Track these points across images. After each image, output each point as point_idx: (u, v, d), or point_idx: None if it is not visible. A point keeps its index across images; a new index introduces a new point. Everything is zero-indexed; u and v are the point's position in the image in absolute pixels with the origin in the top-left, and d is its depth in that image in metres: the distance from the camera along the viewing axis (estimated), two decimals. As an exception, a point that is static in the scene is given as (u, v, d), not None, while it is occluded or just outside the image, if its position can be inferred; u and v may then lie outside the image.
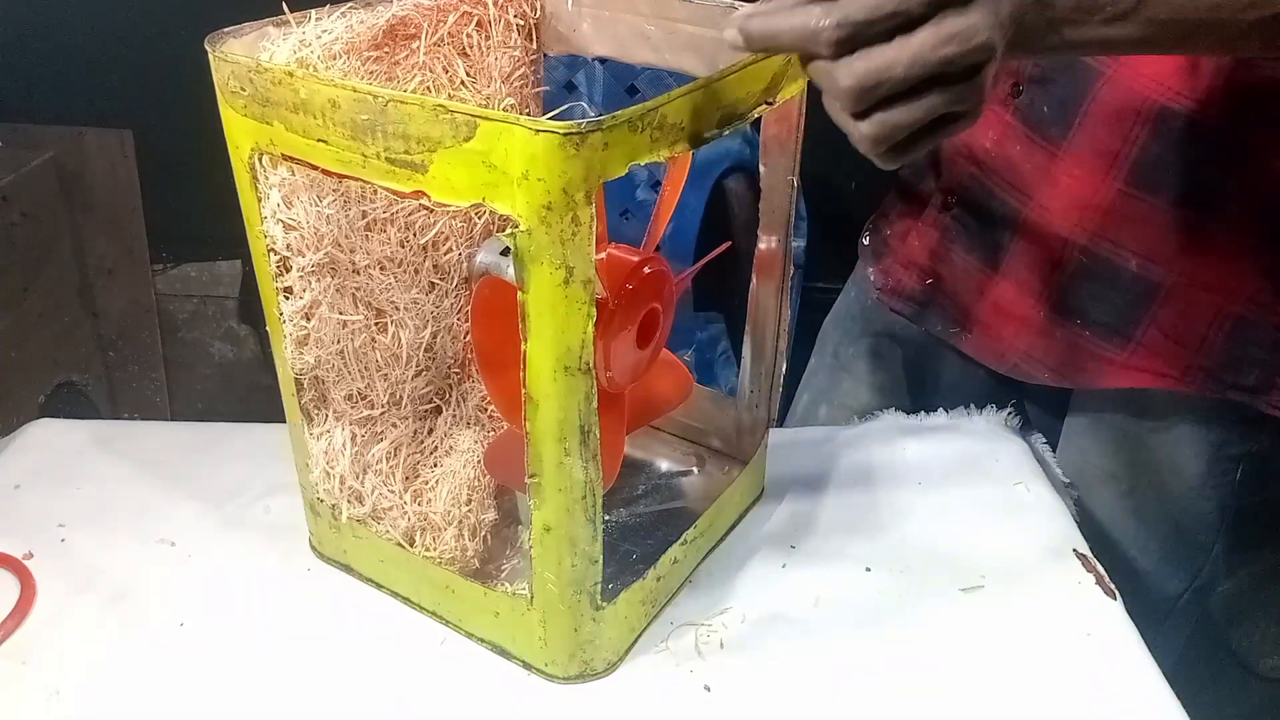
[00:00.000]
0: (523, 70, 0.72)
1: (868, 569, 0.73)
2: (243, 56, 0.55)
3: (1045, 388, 0.84)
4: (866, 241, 0.96)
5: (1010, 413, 0.89)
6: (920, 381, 0.94)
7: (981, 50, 0.46)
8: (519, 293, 0.51)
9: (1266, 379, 0.77)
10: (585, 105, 0.63)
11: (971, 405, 0.90)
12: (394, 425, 0.70)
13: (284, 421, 0.69)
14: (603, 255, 0.63)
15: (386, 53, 0.63)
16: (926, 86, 0.46)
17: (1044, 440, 0.87)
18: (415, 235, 0.67)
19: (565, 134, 0.46)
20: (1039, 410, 0.92)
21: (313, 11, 0.61)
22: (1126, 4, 0.53)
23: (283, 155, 0.56)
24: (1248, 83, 0.69)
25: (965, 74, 0.46)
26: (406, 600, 0.69)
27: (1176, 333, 0.76)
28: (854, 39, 0.45)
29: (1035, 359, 0.83)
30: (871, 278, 0.93)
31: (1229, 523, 0.84)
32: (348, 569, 0.72)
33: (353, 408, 0.68)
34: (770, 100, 0.59)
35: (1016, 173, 0.79)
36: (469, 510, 0.70)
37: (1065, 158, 0.76)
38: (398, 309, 0.67)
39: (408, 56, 0.64)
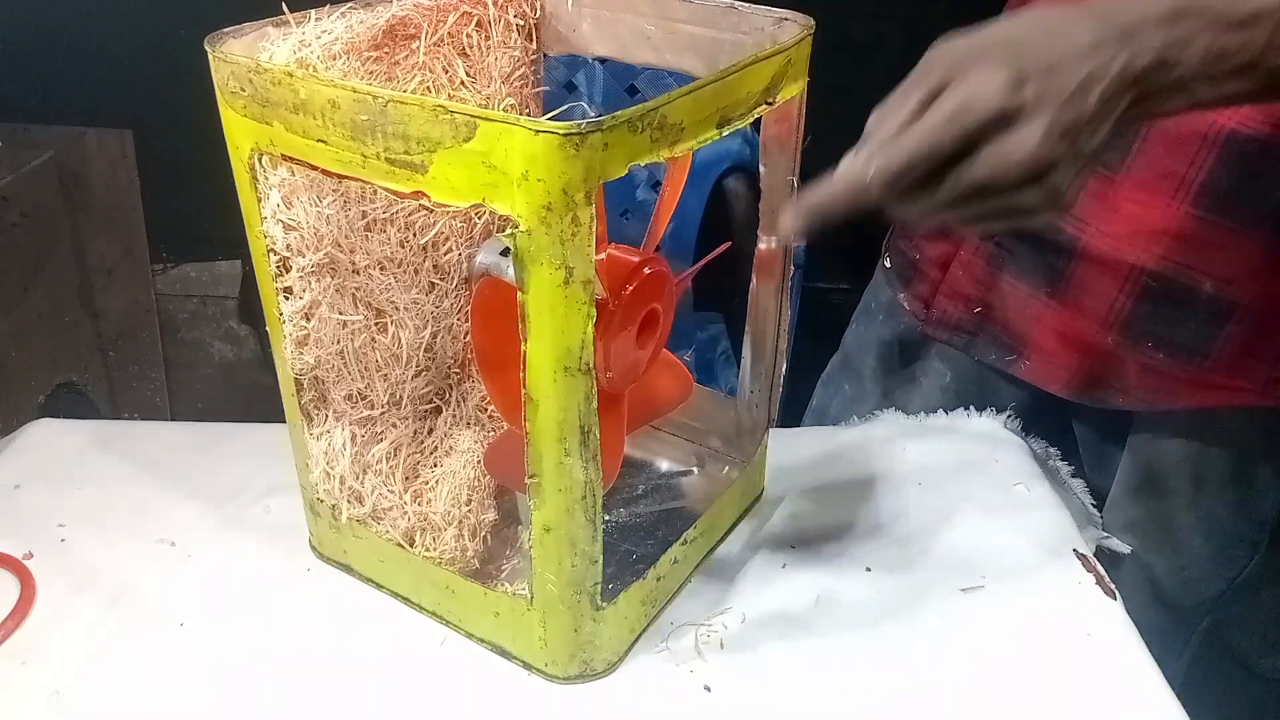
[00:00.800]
0: (523, 70, 0.72)
1: (868, 569, 0.73)
2: (243, 57, 0.55)
3: (1100, 409, 0.83)
4: (889, 264, 0.94)
5: (1010, 414, 0.89)
6: (972, 407, 0.92)
7: (1025, 167, 0.46)
8: (519, 293, 0.51)
9: None
10: (585, 105, 0.63)
11: (971, 406, 0.90)
12: (394, 425, 0.70)
13: (284, 421, 0.69)
14: (603, 255, 0.63)
15: (386, 53, 0.63)
16: (981, 194, 0.47)
17: (1060, 456, 0.87)
18: (415, 235, 0.67)
19: (565, 134, 0.46)
20: (1088, 430, 0.91)
21: (312, 11, 0.61)
22: (1248, 56, 0.50)
23: (283, 155, 0.56)
24: None
25: (1022, 183, 0.47)
26: (406, 600, 0.69)
27: (1254, 349, 0.76)
28: (899, 183, 0.47)
29: (1107, 383, 0.82)
30: (907, 306, 0.92)
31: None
32: (348, 569, 0.72)
33: (353, 408, 0.68)
34: (770, 100, 0.59)
35: None
36: (469, 510, 0.70)
37: (1125, 183, 0.75)
38: (398, 309, 0.67)
39: (408, 57, 0.64)
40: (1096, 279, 0.79)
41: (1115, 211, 0.76)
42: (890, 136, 0.47)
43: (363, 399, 0.69)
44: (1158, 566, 0.86)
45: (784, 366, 0.75)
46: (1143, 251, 0.76)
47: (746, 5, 0.64)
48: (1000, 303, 0.86)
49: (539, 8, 0.72)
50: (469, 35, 0.67)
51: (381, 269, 0.65)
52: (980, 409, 0.89)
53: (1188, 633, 0.89)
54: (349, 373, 0.67)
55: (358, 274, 0.64)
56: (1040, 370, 0.84)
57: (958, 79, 0.47)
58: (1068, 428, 0.92)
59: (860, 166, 0.47)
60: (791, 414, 1.05)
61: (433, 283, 0.70)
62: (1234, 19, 0.49)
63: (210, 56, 0.56)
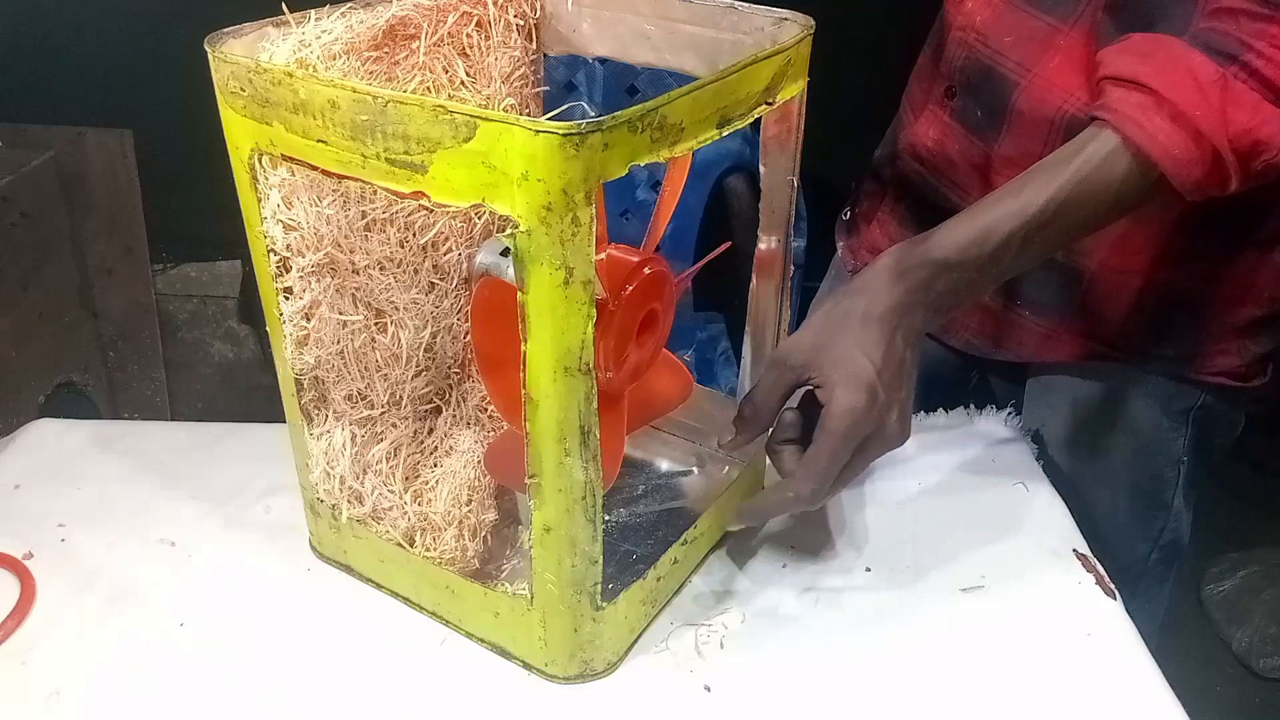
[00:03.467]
0: (523, 70, 0.72)
1: (868, 569, 0.73)
2: (242, 57, 0.55)
3: (1003, 362, 0.90)
4: (846, 217, 1.01)
5: (1010, 413, 0.89)
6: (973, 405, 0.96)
7: (900, 440, 0.64)
8: (519, 293, 0.51)
9: (1190, 350, 0.82)
10: (585, 105, 0.63)
11: (971, 405, 0.90)
12: (394, 425, 0.70)
13: (284, 421, 0.69)
14: (603, 256, 0.63)
15: (386, 53, 0.63)
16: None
17: (1013, 413, 0.91)
18: (415, 235, 0.67)
19: (565, 134, 0.46)
20: (1001, 382, 0.97)
21: (312, 12, 0.61)
22: (1010, 250, 0.63)
23: (282, 156, 0.56)
24: None
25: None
26: (406, 600, 0.69)
27: (1103, 310, 0.82)
28: (820, 493, 0.63)
29: (983, 334, 0.89)
30: (840, 254, 1.00)
31: (1185, 478, 0.89)
32: (348, 569, 0.72)
33: (353, 408, 0.68)
34: (770, 100, 0.59)
35: (956, 170, 0.84)
36: (469, 510, 0.70)
37: (997, 159, 0.80)
38: (398, 309, 0.67)
39: (408, 57, 0.64)
40: None
41: (988, 185, 0.82)
42: (801, 466, 0.63)
43: (363, 399, 0.69)
44: (1090, 519, 0.89)
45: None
46: None
47: (746, 5, 0.64)
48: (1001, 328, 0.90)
49: (539, 8, 0.72)
50: (469, 35, 0.67)
51: (381, 269, 0.65)
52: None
53: (1134, 584, 0.92)
54: (349, 373, 0.67)
55: (358, 274, 0.64)
56: (953, 325, 0.91)
57: (827, 399, 0.62)
58: (986, 383, 1.00)
59: (798, 491, 0.63)
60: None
61: (433, 283, 0.70)
62: (977, 260, 0.63)
63: (210, 56, 0.56)
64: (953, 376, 0.97)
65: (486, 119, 0.47)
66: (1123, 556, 0.88)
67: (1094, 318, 0.83)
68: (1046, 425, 0.90)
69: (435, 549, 0.68)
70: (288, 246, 0.61)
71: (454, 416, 0.75)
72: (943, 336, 0.92)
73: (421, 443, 0.73)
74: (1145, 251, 0.79)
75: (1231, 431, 0.89)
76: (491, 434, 0.75)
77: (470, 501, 0.71)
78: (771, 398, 0.66)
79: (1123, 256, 0.80)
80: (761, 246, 0.71)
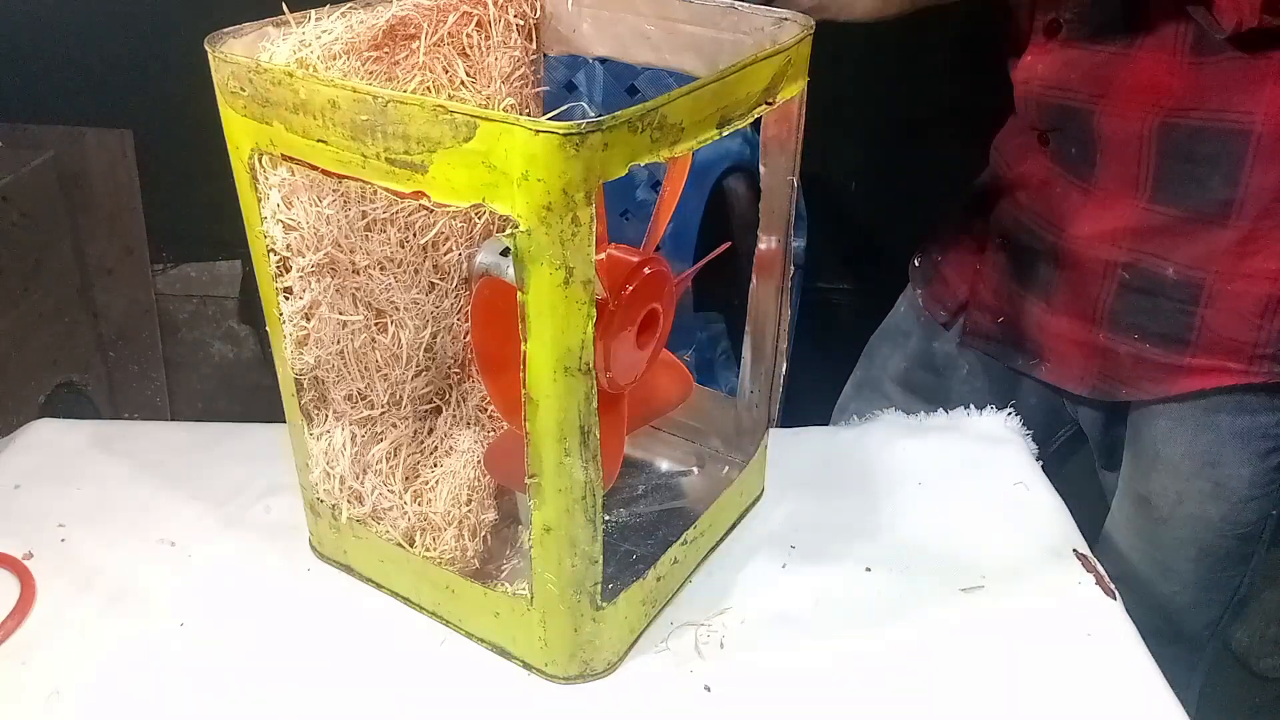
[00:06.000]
0: (523, 70, 0.72)
1: (868, 569, 0.73)
2: (242, 57, 0.55)
3: (1104, 408, 0.89)
4: (918, 264, 1.01)
5: (1010, 412, 0.89)
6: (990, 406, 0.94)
7: None
8: (519, 293, 0.51)
9: None
10: (585, 105, 0.63)
11: (971, 405, 0.90)
12: (394, 425, 0.70)
13: (284, 421, 0.69)
14: (603, 255, 0.63)
15: (386, 53, 0.63)
16: None
17: (1013, 413, 0.90)
18: (415, 235, 0.67)
19: (565, 134, 0.46)
20: (1098, 433, 0.95)
21: (313, 11, 0.61)
22: None
23: (283, 155, 0.56)
24: (1240, 75, 0.73)
25: None
26: (406, 600, 0.69)
27: (1230, 327, 0.80)
28: None
29: (1110, 377, 0.86)
30: (921, 303, 0.99)
31: (1270, 532, 0.87)
32: (348, 569, 0.72)
33: (353, 408, 0.68)
34: (770, 100, 0.59)
35: (1053, 210, 0.85)
36: (469, 510, 0.70)
37: (1097, 191, 0.81)
38: (398, 309, 0.67)
39: (408, 57, 0.64)
40: (1076, 280, 0.85)
41: (1084, 216, 0.82)
42: None
43: (363, 399, 0.69)
44: (1153, 596, 0.88)
45: (784, 366, 0.75)
46: (1113, 248, 0.82)
47: (746, 5, 0.64)
48: (1015, 311, 0.91)
49: (539, 8, 0.72)
50: (469, 35, 0.67)
51: (381, 269, 0.65)
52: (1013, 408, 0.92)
53: (1194, 658, 0.91)
54: (349, 373, 0.67)
55: (358, 274, 0.64)
56: (1058, 371, 0.89)
57: None
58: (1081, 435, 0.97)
59: None
60: (791, 414, 1.05)
61: (433, 283, 0.70)
62: None
63: (210, 56, 0.56)
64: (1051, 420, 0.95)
65: (486, 119, 0.47)
66: (1188, 626, 0.87)
67: (1222, 335, 0.80)
68: (1136, 476, 0.88)
69: (435, 549, 0.68)
70: (288, 246, 0.61)
71: (454, 416, 0.75)
72: (1069, 385, 0.89)
73: (421, 443, 0.73)
74: (1257, 252, 0.77)
75: None
76: (491, 434, 0.75)
77: (470, 501, 0.71)
78: None
79: (1239, 259, 0.77)
80: (761, 246, 0.71)
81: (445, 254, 0.70)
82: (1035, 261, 0.88)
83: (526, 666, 0.65)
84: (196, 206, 1.45)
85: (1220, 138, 0.74)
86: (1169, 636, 0.78)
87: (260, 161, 0.58)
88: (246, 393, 1.82)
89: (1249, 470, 0.83)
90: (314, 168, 0.55)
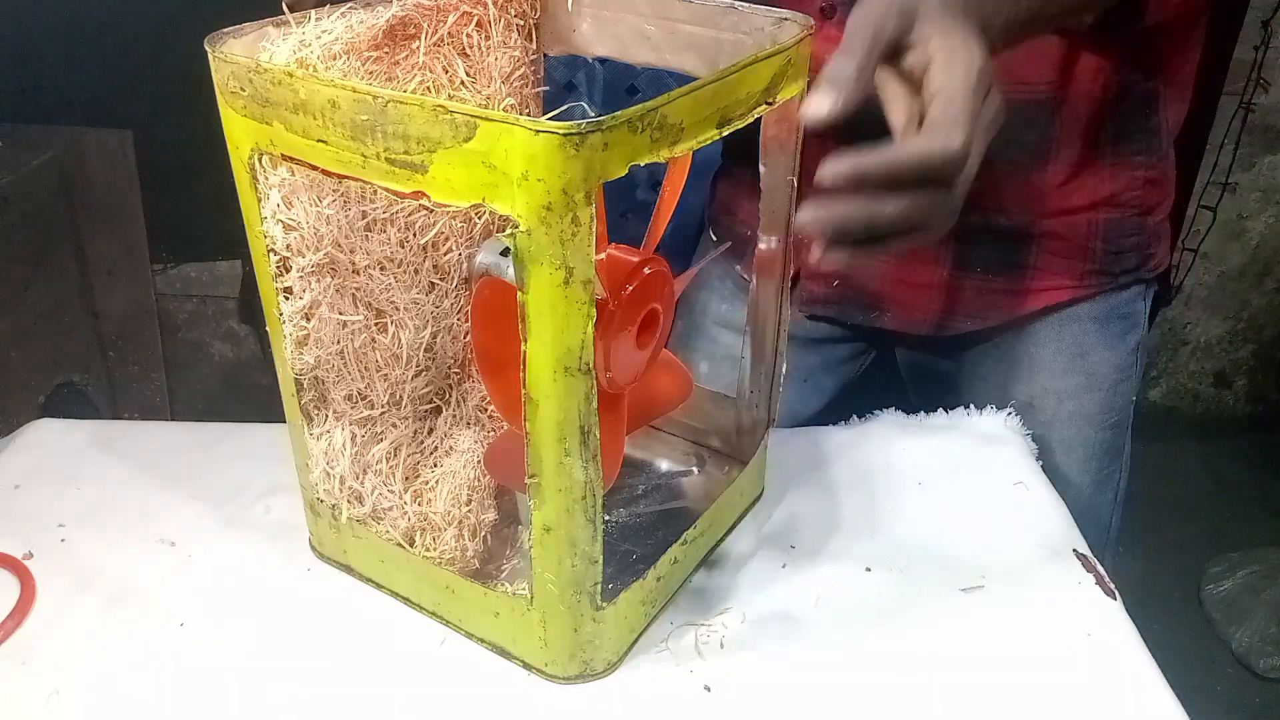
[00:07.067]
0: (523, 70, 0.72)
1: (868, 569, 0.73)
2: (243, 57, 0.55)
3: (930, 344, 0.94)
4: (715, 238, 1.01)
5: (1010, 412, 0.89)
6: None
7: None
8: (519, 293, 0.51)
9: (1142, 256, 0.90)
10: (585, 105, 0.63)
11: (971, 405, 0.90)
12: (394, 425, 0.70)
13: (284, 421, 0.69)
14: (603, 255, 0.63)
15: (386, 53, 0.63)
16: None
17: (1013, 413, 0.90)
18: (415, 235, 0.67)
19: (565, 134, 0.46)
20: (912, 355, 1.01)
21: (313, 11, 0.61)
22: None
23: (283, 155, 0.56)
24: (1049, 54, 0.79)
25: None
26: (406, 600, 0.69)
27: (1064, 251, 0.87)
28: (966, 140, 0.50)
29: (955, 313, 0.90)
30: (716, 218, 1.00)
31: (1132, 419, 0.95)
32: (348, 569, 0.72)
33: (353, 408, 0.68)
34: (770, 100, 0.59)
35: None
36: (469, 510, 0.70)
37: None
38: (398, 309, 0.67)
39: (408, 57, 0.64)
40: None
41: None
42: (940, 114, 0.50)
43: (363, 399, 0.68)
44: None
45: (784, 366, 0.75)
46: None
47: (746, 5, 0.64)
48: (853, 271, 0.92)
49: (539, 8, 0.72)
50: (469, 35, 0.67)
51: (381, 269, 0.65)
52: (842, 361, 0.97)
53: (1103, 545, 0.95)
54: (349, 373, 0.67)
55: (358, 274, 0.64)
56: (899, 317, 0.92)
57: (938, 51, 0.51)
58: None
59: (946, 138, 0.49)
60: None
61: (433, 283, 0.70)
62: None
63: (210, 56, 0.56)
64: (841, 359, 1.00)
65: (486, 119, 0.47)
66: (1087, 533, 0.88)
67: (1057, 258, 0.87)
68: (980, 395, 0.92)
69: (435, 549, 0.68)
70: (288, 246, 0.61)
71: (454, 416, 0.75)
72: (911, 327, 0.92)
73: (421, 443, 0.73)
74: (1084, 186, 0.85)
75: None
76: (491, 434, 0.75)
77: (470, 501, 0.71)
78: (871, 54, 0.51)
79: (1064, 198, 0.85)
80: (761, 246, 0.71)
81: (445, 254, 0.70)
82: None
83: (526, 666, 0.65)
84: (196, 206, 1.45)
85: (1032, 101, 0.80)
86: (1081, 517, 0.81)
87: (260, 161, 0.58)
88: (246, 393, 1.82)
89: (1111, 354, 0.91)
90: (314, 168, 0.55)
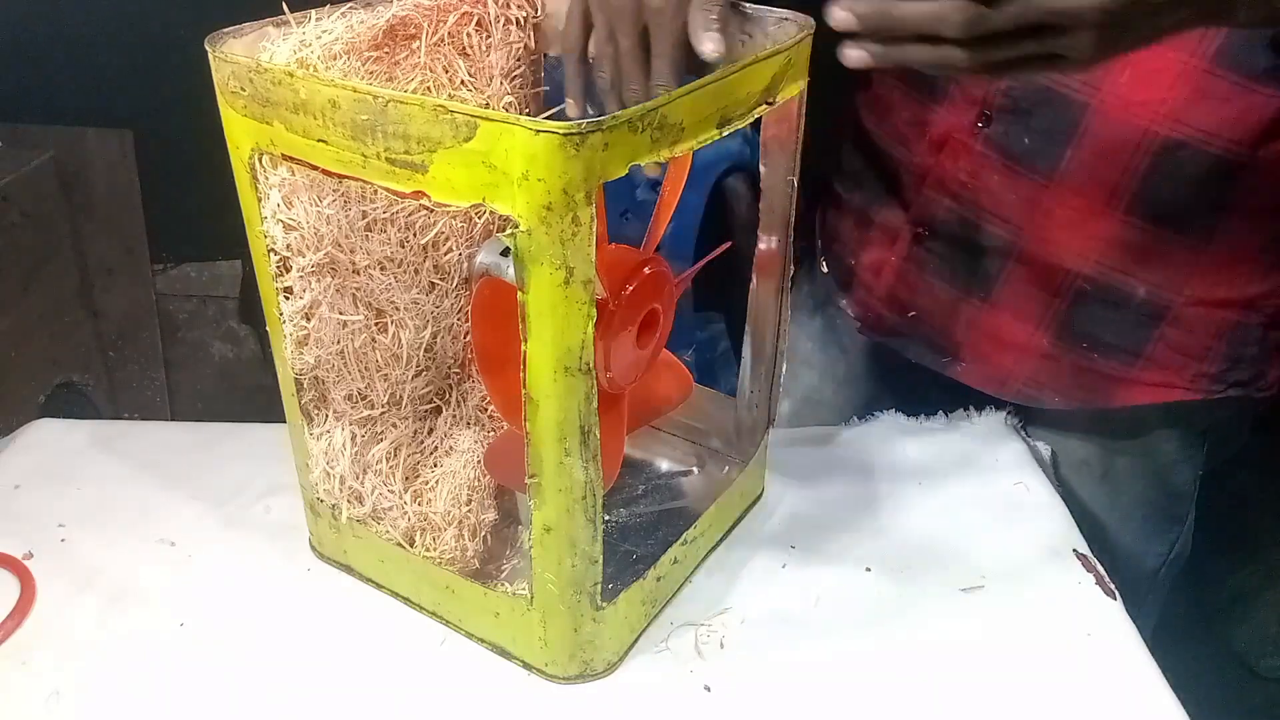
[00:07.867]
0: (523, 70, 0.72)
1: (868, 569, 0.73)
2: (243, 56, 0.55)
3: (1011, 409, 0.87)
4: (826, 270, 0.96)
5: (1010, 412, 0.89)
6: (908, 402, 0.93)
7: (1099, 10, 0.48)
8: (519, 293, 0.51)
9: (1258, 372, 0.80)
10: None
11: (971, 406, 0.90)
12: (394, 425, 0.70)
13: (284, 421, 0.69)
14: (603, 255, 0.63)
15: (386, 53, 0.63)
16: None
17: (1012, 412, 0.88)
18: (415, 235, 0.67)
19: (565, 134, 0.46)
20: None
21: (313, 11, 0.61)
22: None
23: (283, 155, 0.56)
24: (1250, 105, 0.69)
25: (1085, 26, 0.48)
26: (406, 600, 0.69)
27: (1185, 347, 0.78)
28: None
29: (1042, 384, 0.83)
30: (846, 309, 0.93)
31: (1198, 491, 0.88)
32: (348, 569, 0.72)
33: (353, 408, 0.68)
34: (770, 100, 0.59)
35: (1000, 203, 0.78)
36: (469, 510, 0.70)
37: (1058, 189, 0.75)
38: (398, 309, 0.67)
39: (408, 57, 0.64)
40: (1029, 283, 0.80)
41: (1049, 216, 0.77)
42: None
43: (363, 399, 0.69)
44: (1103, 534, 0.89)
45: (784, 366, 0.75)
46: (1078, 257, 0.77)
47: (746, 5, 0.64)
48: (930, 306, 0.86)
49: (539, 7, 0.72)
50: (469, 35, 0.67)
51: (381, 269, 0.65)
52: (909, 410, 0.90)
53: (1138, 605, 0.90)
54: (349, 373, 0.67)
55: (358, 274, 0.64)
56: (975, 371, 0.86)
57: None
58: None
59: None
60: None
61: (433, 283, 0.70)
62: None
63: (210, 56, 0.56)
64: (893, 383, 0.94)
65: (487, 119, 0.47)
66: (1132, 570, 0.87)
67: (1174, 353, 0.78)
68: (1060, 446, 0.87)
69: (435, 549, 0.68)
70: (288, 246, 0.61)
71: (454, 416, 0.75)
72: (987, 387, 0.85)
73: (421, 443, 0.73)
74: (1232, 279, 0.75)
75: (1241, 438, 0.88)
76: (491, 434, 0.75)
77: (470, 501, 0.71)
78: None
79: (1212, 285, 0.76)
80: (761, 246, 0.71)
81: (445, 254, 0.70)
82: (976, 256, 0.81)
83: (526, 666, 0.65)
84: (196, 206, 1.44)
85: (1212, 158, 0.70)
86: (1113, 571, 0.77)
87: (260, 161, 0.58)
88: (246, 393, 1.82)
89: (1169, 446, 0.84)
90: (314, 168, 0.55)
